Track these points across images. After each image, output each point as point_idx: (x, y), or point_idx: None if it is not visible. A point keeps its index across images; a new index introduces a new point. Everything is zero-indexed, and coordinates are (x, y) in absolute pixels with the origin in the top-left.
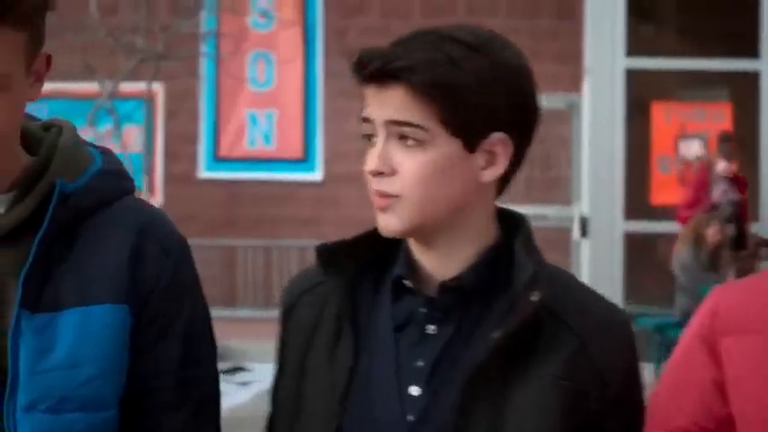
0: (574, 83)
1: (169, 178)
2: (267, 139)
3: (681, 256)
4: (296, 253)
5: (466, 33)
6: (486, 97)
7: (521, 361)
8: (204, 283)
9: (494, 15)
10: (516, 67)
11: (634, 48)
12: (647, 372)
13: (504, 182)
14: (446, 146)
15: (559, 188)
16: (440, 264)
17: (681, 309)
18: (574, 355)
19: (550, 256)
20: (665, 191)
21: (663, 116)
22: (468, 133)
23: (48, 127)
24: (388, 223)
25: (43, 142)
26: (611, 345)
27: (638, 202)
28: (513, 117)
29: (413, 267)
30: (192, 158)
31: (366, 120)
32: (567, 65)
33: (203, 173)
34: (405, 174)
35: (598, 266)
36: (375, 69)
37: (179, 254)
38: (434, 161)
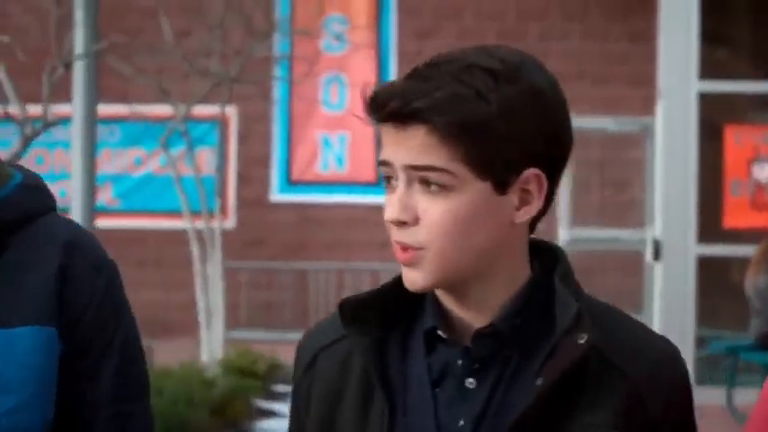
0: (646, 106)
1: (241, 201)
2: (340, 162)
3: (753, 278)
4: (368, 276)
5: (492, 59)
6: (517, 131)
7: (568, 409)
8: (276, 307)
9: (566, 39)
10: (548, 94)
11: (707, 71)
12: (718, 395)
13: (537, 218)
14: (474, 190)
15: (632, 211)
16: (473, 312)
17: (755, 332)
18: (625, 402)
19: (623, 280)
20: (738, 214)
21: (735, 139)
22: (499, 173)
23: None
24: (413, 279)
25: None
26: (666, 388)
27: (710, 225)
28: (546, 149)
29: (445, 316)
30: (265, 182)
31: (384, 163)
32: (640, 88)
33: (276, 196)
34: (428, 223)
35: (671, 290)
36: (393, 110)
37: (109, 271)
38: (461, 207)
